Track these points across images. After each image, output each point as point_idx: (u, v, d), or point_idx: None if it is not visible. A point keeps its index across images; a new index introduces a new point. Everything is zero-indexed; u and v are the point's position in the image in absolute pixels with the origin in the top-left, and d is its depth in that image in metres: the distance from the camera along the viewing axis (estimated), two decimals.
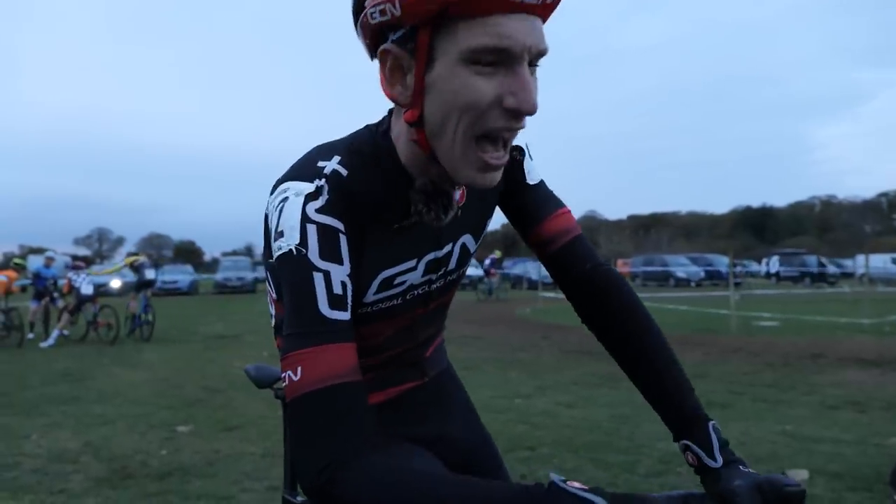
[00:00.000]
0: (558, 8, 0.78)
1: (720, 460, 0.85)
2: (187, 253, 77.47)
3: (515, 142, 1.03)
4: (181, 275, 31.59)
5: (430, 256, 0.97)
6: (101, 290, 12.91)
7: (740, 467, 0.83)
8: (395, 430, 1.09)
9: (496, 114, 0.75)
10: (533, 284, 27.36)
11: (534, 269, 29.58)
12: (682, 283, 32.92)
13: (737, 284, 31.07)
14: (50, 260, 13.03)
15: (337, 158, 0.86)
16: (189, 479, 3.85)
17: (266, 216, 0.88)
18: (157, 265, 17.26)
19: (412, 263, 0.95)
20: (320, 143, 0.93)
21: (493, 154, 0.79)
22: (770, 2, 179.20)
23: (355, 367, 0.78)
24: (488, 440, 1.29)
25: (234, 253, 59.95)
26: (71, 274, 11.67)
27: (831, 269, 35.12)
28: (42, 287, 12.29)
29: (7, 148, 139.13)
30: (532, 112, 0.75)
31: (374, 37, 0.80)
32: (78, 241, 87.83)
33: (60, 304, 12.19)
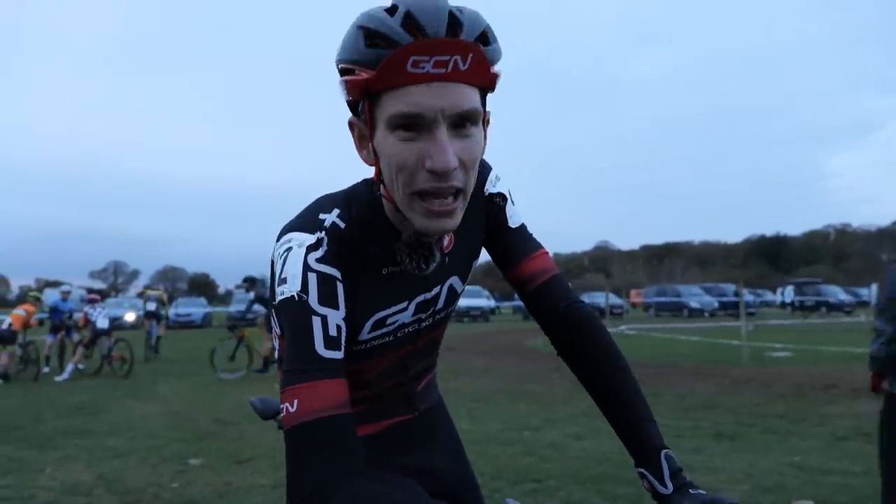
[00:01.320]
0: (495, 79, 0.88)
1: (670, 487, 0.93)
2: (201, 285, 78.01)
3: (499, 188, 1.14)
4: (195, 308, 31.80)
5: (420, 298, 1.07)
6: (116, 324, 13.11)
7: (690, 490, 0.90)
8: (386, 461, 1.17)
9: (423, 175, 0.85)
10: None
11: None
12: (696, 314, 32.67)
13: (751, 314, 30.95)
14: (66, 293, 13.22)
15: (336, 212, 0.97)
16: None
17: (272, 261, 0.98)
18: (170, 299, 17.77)
19: (403, 305, 1.05)
20: (324, 193, 1.04)
21: (437, 203, 0.87)
22: (779, 34, 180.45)
23: (346, 401, 0.87)
24: (471, 472, 1.37)
25: None
26: (87, 308, 11.85)
27: (846, 297, 34.69)
28: (58, 321, 12.45)
29: (24, 181, 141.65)
30: (445, 171, 0.83)
31: (349, 108, 0.94)
32: (94, 275, 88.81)
33: (76, 337, 12.34)
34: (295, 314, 0.90)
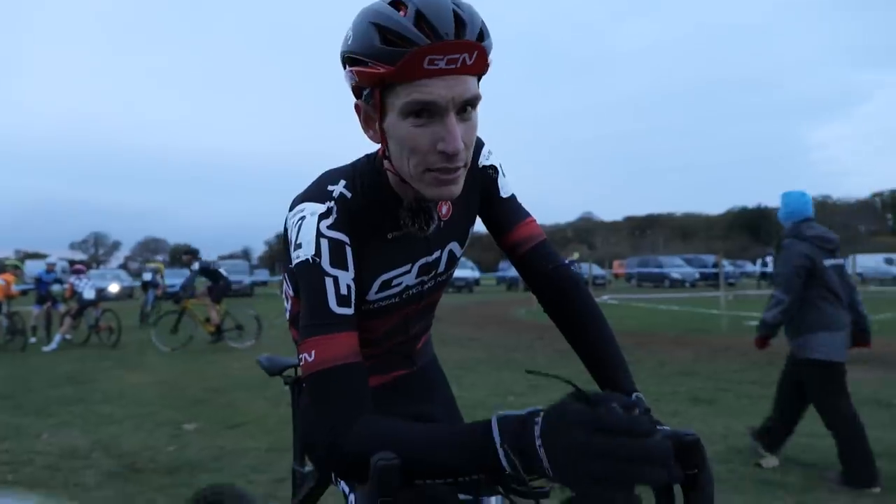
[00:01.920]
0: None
1: None
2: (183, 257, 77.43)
3: (491, 161, 1.25)
4: (179, 279, 31.62)
5: (422, 261, 1.18)
6: (101, 295, 13.08)
7: (657, 427, 1.03)
8: (389, 409, 1.29)
9: (434, 156, 0.96)
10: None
11: None
12: (678, 285, 33.15)
13: (731, 285, 31.46)
14: (52, 266, 13.17)
15: (343, 183, 1.09)
16: (196, 473, 4.04)
17: (286, 229, 1.08)
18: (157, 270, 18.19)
19: (407, 267, 1.16)
20: (330, 167, 1.14)
21: (444, 174, 0.98)
22: (764, 4, 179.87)
23: (357, 352, 0.98)
24: (461, 420, 1.51)
25: (231, 256, 59.92)
26: (73, 278, 11.83)
27: None
28: (44, 292, 12.43)
29: (3, 153, 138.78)
30: (455, 153, 0.94)
31: (352, 92, 1.03)
32: (74, 246, 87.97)
33: (62, 308, 12.34)
34: (310, 276, 1.01)
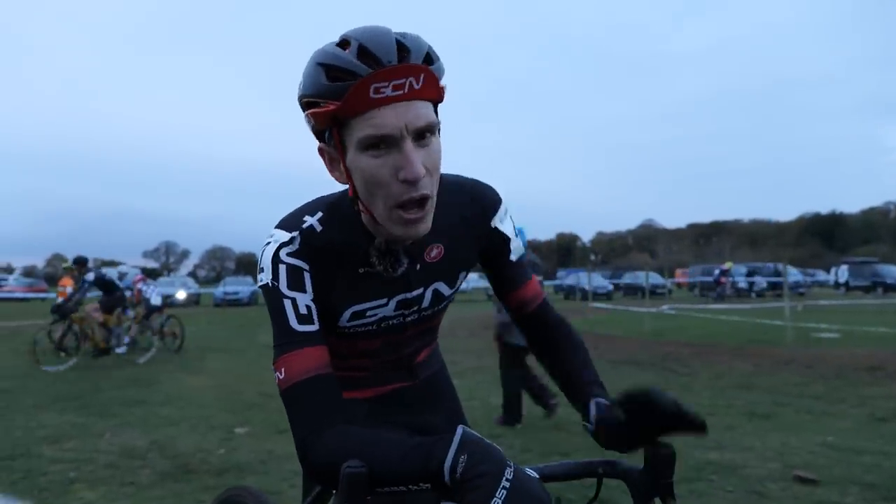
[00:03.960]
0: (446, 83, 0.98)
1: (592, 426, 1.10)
2: (248, 265, 80.00)
3: (505, 226, 1.25)
4: (242, 286, 32.74)
5: (401, 297, 1.17)
6: (167, 302, 13.65)
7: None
8: (384, 419, 1.31)
9: (398, 187, 0.95)
10: (584, 294, 27.16)
11: (585, 280, 29.39)
12: (743, 294, 31.96)
13: (800, 294, 30.09)
14: (123, 274, 13.82)
15: (319, 215, 1.11)
16: (244, 476, 4.16)
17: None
18: (218, 278, 18.49)
19: (383, 301, 1.16)
20: (318, 196, 1.17)
21: (411, 213, 0.98)
22: None
23: (322, 364, 1.01)
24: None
25: None
26: (141, 285, 12.38)
27: None
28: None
29: (83, 165, 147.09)
30: (415, 180, 0.94)
31: (315, 136, 1.05)
32: (146, 254, 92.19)
33: (131, 314, 12.93)
34: (270, 298, 1.06)
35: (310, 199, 1.15)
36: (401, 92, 0.91)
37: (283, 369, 1.01)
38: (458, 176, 1.23)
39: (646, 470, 1.01)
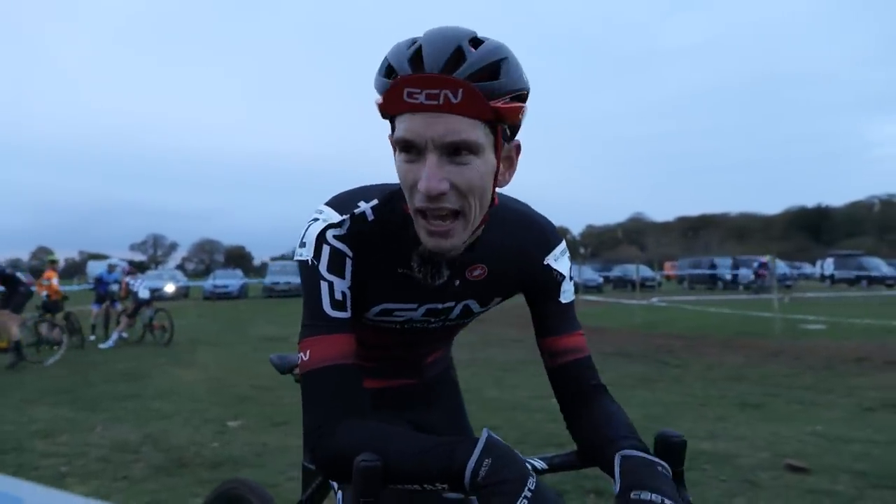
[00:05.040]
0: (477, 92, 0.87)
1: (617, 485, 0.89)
2: (237, 258, 79.70)
3: (560, 265, 1.17)
4: (231, 279, 32.56)
5: (432, 306, 1.15)
6: (156, 295, 13.55)
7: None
8: (387, 412, 1.31)
9: (418, 194, 0.92)
10: (575, 287, 27.22)
11: (576, 273, 29.48)
12: (731, 286, 32.21)
13: (788, 287, 30.39)
14: (113, 267, 13.71)
15: (374, 202, 1.07)
16: (239, 469, 4.15)
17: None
18: (207, 271, 18.24)
19: (413, 305, 1.14)
20: (383, 182, 1.12)
21: (434, 224, 0.94)
22: None
23: (348, 353, 1.00)
24: (468, 430, 1.50)
25: (283, 257, 60.98)
26: (128, 279, 12.30)
27: (888, 270, 33.78)
28: (104, 291, 12.92)
29: (68, 156, 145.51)
30: (430, 194, 0.89)
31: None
32: (134, 247, 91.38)
33: (120, 307, 12.84)
34: (307, 276, 1.04)
35: (371, 183, 1.12)
36: (435, 102, 0.87)
37: (308, 351, 0.99)
38: (521, 203, 1.18)
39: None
